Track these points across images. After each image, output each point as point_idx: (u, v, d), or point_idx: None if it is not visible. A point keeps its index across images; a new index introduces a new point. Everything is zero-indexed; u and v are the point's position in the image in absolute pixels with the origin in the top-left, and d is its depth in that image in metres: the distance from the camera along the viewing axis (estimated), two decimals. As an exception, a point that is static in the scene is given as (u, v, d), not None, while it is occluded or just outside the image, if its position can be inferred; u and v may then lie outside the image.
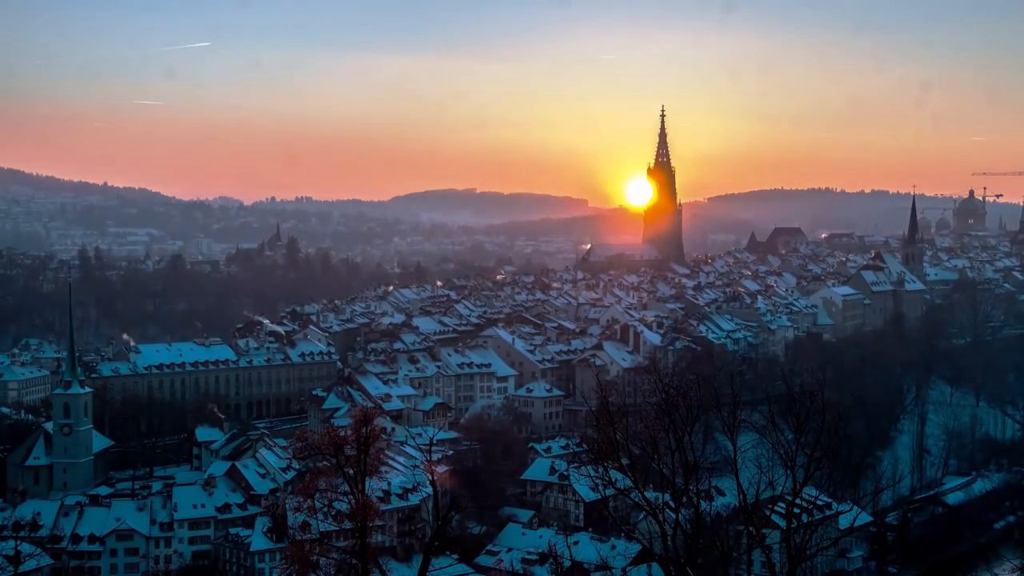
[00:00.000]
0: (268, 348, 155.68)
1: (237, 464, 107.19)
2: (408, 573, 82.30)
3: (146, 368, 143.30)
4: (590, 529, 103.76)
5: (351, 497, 42.37)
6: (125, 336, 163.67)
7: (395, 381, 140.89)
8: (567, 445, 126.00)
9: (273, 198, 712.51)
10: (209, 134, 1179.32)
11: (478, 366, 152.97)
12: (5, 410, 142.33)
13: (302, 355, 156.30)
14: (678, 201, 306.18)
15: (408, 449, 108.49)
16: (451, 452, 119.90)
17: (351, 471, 42.49)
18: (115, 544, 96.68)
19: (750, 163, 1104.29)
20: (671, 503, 34.74)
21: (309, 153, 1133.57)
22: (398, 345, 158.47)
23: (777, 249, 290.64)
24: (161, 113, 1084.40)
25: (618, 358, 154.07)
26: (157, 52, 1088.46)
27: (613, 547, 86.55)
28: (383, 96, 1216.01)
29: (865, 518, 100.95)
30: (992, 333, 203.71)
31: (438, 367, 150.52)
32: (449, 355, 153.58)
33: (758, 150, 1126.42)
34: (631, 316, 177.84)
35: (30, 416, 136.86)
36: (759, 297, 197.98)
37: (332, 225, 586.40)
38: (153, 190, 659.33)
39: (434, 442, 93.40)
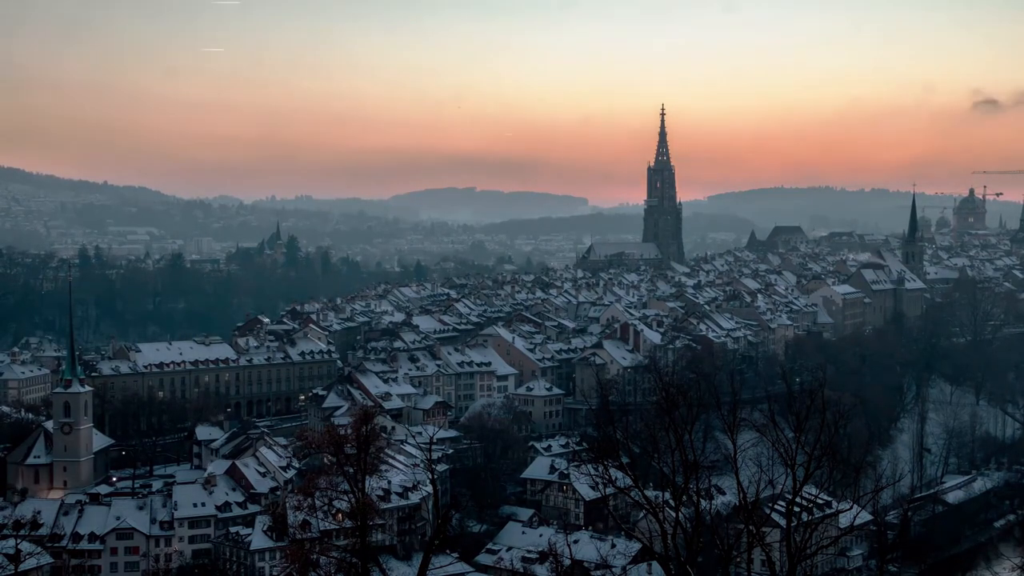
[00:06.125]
0: (268, 347, 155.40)
1: (237, 463, 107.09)
2: (408, 572, 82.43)
3: (146, 367, 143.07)
4: (590, 528, 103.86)
5: (351, 496, 42.44)
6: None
7: (395, 380, 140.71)
8: (567, 444, 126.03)
9: (273, 196, 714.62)
10: (210, 132, 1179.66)
11: (478, 365, 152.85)
12: (5, 409, 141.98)
13: (302, 354, 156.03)
14: (678, 199, 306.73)
15: (408, 448, 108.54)
16: (451, 451, 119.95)
17: (351, 470, 42.58)
18: (115, 543, 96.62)
19: (750, 161, 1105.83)
20: (671, 502, 34.75)
21: (309, 151, 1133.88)
22: (398, 344, 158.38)
23: (777, 247, 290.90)
24: (161, 111, 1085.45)
25: (618, 357, 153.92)
26: (158, 51, 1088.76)
27: (613, 545, 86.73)
28: (383, 94, 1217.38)
29: (865, 517, 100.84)
30: (992, 332, 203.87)
31: (438, 366, 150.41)
32: (449, 354, 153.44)
33: (758, 148, 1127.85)
34: (631, 315, 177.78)
35: (30, 415, 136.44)
36: (759, 296, 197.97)
37: (332, 224, 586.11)
38: (153, 189, 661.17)
39: (434, 441, 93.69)
